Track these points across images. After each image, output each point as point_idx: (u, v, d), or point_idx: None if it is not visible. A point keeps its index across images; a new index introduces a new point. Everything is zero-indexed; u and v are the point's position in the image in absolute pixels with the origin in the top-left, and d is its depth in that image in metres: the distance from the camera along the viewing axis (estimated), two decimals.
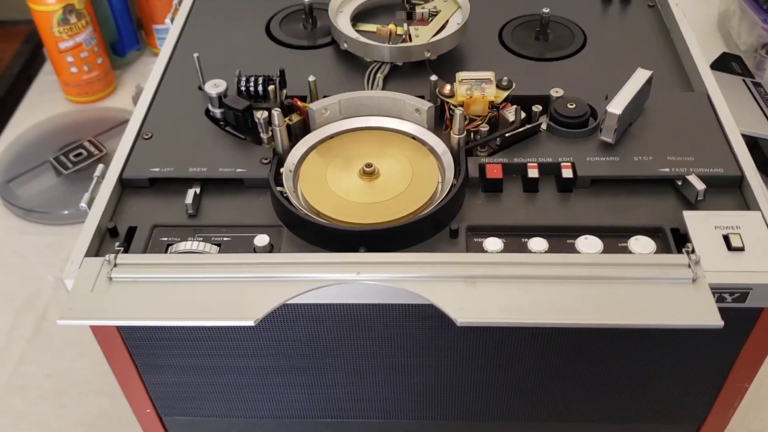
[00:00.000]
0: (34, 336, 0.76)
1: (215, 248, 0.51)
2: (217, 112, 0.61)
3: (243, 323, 0.45)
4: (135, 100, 1.01)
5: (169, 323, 0.47)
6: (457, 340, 0.53)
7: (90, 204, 0.54)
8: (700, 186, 0.52)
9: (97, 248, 0.52)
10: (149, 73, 0.67)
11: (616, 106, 0.55)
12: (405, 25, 0.67)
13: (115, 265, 0.48)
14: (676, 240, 0.51)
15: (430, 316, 0.51)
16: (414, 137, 0.59)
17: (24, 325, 0.76)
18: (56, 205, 0.86)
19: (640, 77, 0.57)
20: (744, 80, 0.91)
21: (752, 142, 0.81)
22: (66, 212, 0.86)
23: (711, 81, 0.62)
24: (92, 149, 0.91)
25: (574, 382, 0.56)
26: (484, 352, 0.54)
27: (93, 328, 0.52)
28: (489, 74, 0.58)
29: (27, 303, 0.78)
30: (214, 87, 0.60)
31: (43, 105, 1.02)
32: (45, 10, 0.91)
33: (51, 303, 0.78)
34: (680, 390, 0.56)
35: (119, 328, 0.52)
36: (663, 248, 0.51)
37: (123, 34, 1.04)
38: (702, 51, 0.65)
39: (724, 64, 0.96)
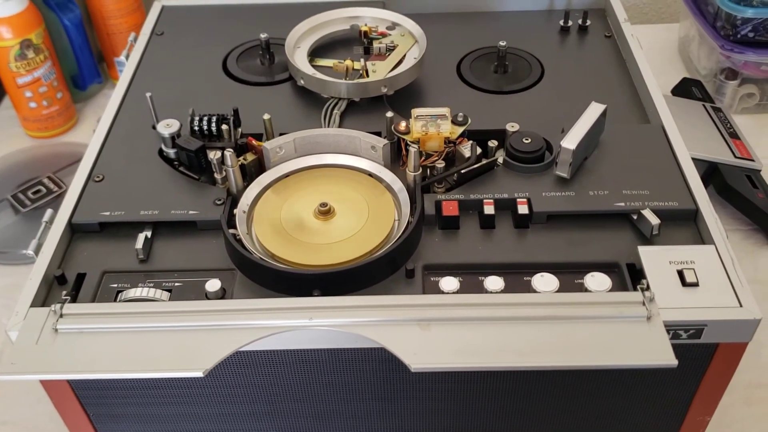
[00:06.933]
0: None
1: (166, 294, 0.50)
2: (171, 152, 0.60)
3: (192, 374, 0.44)
4: None
5: (116, 376, 0.46)
6: (415, 383, 0.52)
7: (37, 251, 0.53)
8: (654, 221, 0.52)
9: (44, 297, 0.51)
10: None
11: (570, 141, 0.55)
12: (362, 60, 0.67)
13: (61, 315, 0.47)
14: (631, 275, 0.51)
15: (386, 359, 0.50)
16: (370, 174, 0.58)
17: None
18: (14, 244, 0.84)
19: (593, 111, 0.57)
20: (704, 105, 0.92)
21: (713, 168, 0.81)
22: (24, 252, 0.83)
23: (666, 113, 0.62)
24: (51, 186, 0.89)
25: (533, 421, 0.56)
26: (442, 394, 0.53)
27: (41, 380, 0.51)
28: (444, 110, 0.58)
29: None
30: (167, 127, 0.59)
31: (3, 141, 1.00)
32: (1, 45, 0.90)
33: (6, 347, 0.76)
34: (641, 425, 0.56)
35: (68, 380, 0.51)
36: (619, 284, 0.50)
37: (83, 67, 1.02)
38: (658, 81, 0.66)
39: (685, 89, 0.96)
